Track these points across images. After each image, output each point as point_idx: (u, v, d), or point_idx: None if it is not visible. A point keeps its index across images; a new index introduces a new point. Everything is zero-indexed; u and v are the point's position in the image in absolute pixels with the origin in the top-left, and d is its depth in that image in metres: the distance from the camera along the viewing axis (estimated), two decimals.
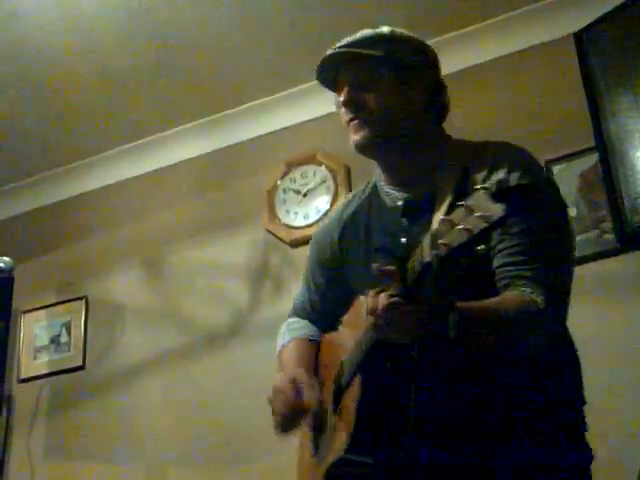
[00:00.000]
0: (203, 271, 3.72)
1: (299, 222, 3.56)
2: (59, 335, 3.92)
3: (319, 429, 1.72)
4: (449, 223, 1.16)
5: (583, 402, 1.58)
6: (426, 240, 1.20)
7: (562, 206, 1.60)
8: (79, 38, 3.32)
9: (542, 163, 2.94)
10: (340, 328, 1.77)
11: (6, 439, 3.82)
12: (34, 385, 3.90)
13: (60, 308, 3.96)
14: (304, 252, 1.96)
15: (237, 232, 3.70)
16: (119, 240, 3.99)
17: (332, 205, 3.42)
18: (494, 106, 3.28)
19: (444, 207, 1.26)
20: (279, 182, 3.67)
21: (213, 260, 3.71)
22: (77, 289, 3.97)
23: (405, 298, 1.27)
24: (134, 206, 4.03)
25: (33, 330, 3.99)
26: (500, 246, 1.48)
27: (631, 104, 2.62)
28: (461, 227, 1.14)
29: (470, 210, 1.14)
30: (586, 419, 1.56)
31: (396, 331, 1.32)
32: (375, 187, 1.76)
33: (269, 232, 3.62)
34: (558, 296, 1.47)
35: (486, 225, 1.13)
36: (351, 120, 1.66)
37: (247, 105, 3.78)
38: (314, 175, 3.60)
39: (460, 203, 1.16)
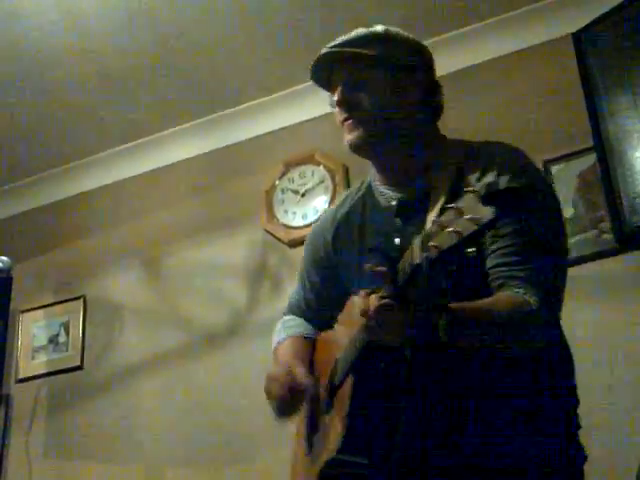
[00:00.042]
0: (201, 271, 3.72)
1: (297, 222, 3.56)
2: (57, 335, 3.92)
3: (313, 428, 1.72)
4: (439, 225, 1.16)
5: (577, 402, 1.58)
6: (416, 242, 1.20)
7: (556, 207, 1.60)
8: (79, 38, 3.32)
9: (540, 163, 2.96)
10: (336, 326, 1.76)
11: (4, 439, 3.81)
12: (32, 385, 3.89)
13: (58, 308, 3.96)
14: (302, 252, 1.96)
15: (235, 232, 3.70)
16: (117, 240, 3.99)
17: (330, 205, 3.41)
18: (492, 106, 3.28)
19: (438, 208, 1.27)
20: (277, 182, 3.67)
21: (211, 260, 3.71)
22: (75, 289, 3.97)
23: (395, 299, 1.27)
24: (132, 206, 4.03)
25: (31, 330, 3.99)
26: (493, 247, 1.48)
27: (629, 104, 2.62)
28: (451, 229, 1.14)
29: (460, 212, 1.15)
30: (580, 419, 1.56)
31: (387, 332, 1.32)
32: (369, 187, 1.76)
33: (267, 232, 3.61)
34: (551, 296, 1.47)
35: (475, 228, 1.14)
36: (345, 120, 1.66)
37: (245, 105, 3.78)
38: (312, 175, 3.60)
39: (450, 205, 1.17)
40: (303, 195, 3.60)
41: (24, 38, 3.29)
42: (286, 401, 1.67)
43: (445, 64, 3.17)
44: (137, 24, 3.28)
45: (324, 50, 1.68)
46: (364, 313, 1.31)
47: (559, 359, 1.57)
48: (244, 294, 3.59)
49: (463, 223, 1.14)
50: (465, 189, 1.17)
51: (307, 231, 3.24)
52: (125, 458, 3.58)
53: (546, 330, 1.48)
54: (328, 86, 1.72)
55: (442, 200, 1.29)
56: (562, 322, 1.60)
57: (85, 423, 3.72)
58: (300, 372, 1.68)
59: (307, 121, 3.66)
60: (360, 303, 1.32)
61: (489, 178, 1.45)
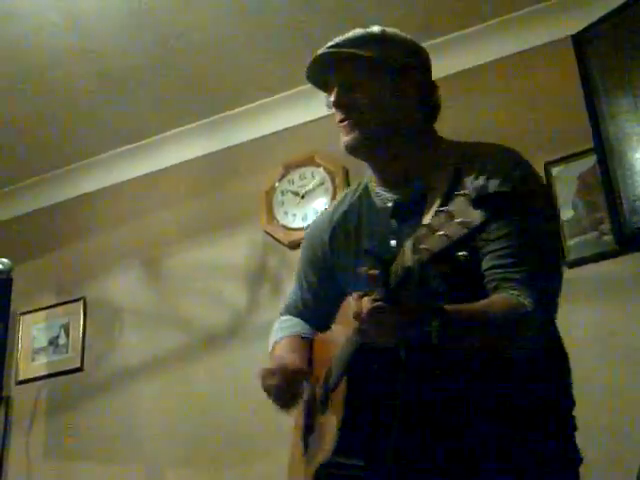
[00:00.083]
0: (201, 272, 3.72)
1: (297, 224, 3.55)
2: (57, 337, 3.92)
3: (309, 428, 1.72)
4: (430, 228, 1.16)
5: (572, 403, 1.57)
6: (408, 244, 1.20)
7: (551, 209, 1.60)
8: (79, 38, 3.32)
9: (541, 165, 2.96)
10: (333, 326, 1.76)
11: (4, 440, 3.82)
12: (32, 387, 3.90)
13: (58, 310, 3.97)
14: None
15: (235, 233, 3.69)
16: (118, 241, 3.99)
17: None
18: (493, 107, 3.27)
19: (433, 210, 1.26)
20: (277, 184, 3.66)
21: (211, 261, 3.70)
22: (75, 290, 3.98)
23: (387, 302, 1.26)
24: (133, 207, 4.03)
25: (31, 331, 3.99)
26: (488, 249, 1.48)
27: (630, 106, 2.62)
28: (441, 233, 1.15)
29: (451, 216, 1.15)
30: (575, 420, 1.56)
31: (380, 335, 1.31)
32: (366, 188, 1.75)
33: (267, 234, 3.61)
34: (547, 298, 1.47)
35: (465, 232, 1.14)
36: (342, 121, 1.66)
37: (245, 107, 3.78)
38: (312, 177, 3.60)
39: (441, 209, 1.17)
40: (303, 197, 3.60)
41: (24, 38, 3.29)
42: (283, 389, 1.66)
43: (446, 65, 3.18)
44: (137, 24, 3.27)
45: (320, 50, 1.67)
46: (357, 315, 1.30)
47: (555, 360, 1.56)
48: (244, 295, 3.59)
49: (453, 227, 1.14)
50: (456, 192, 1.17)
51: None
52: (125, 459, 3.58)
53: (541, 332, 1.47)
54: (324, 87, 1.72)
55: (438, 202, 1.28)
56: (562, 323, 1.59)
57: (85, 424, 3.73)
58: (293, 359, 1.68)
59: (307, 123, 3.66)
60: (353, 305, 1.32)
61: (480, 181, 1.45)
